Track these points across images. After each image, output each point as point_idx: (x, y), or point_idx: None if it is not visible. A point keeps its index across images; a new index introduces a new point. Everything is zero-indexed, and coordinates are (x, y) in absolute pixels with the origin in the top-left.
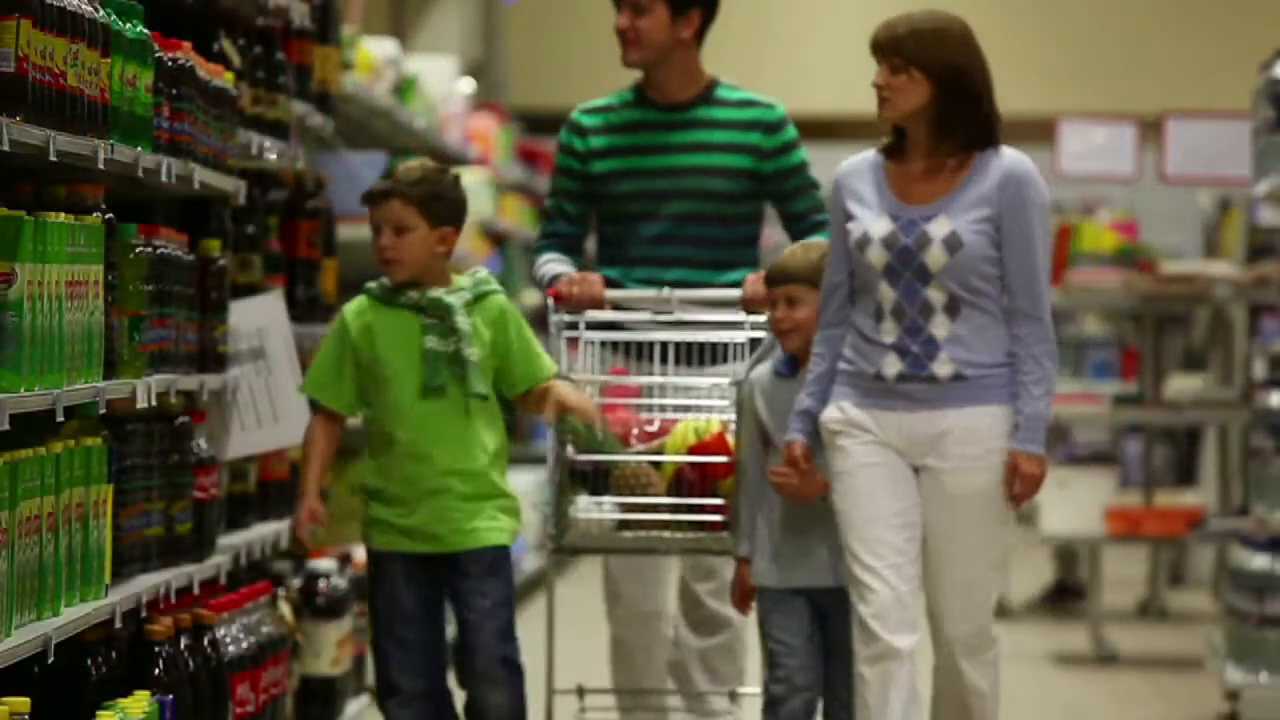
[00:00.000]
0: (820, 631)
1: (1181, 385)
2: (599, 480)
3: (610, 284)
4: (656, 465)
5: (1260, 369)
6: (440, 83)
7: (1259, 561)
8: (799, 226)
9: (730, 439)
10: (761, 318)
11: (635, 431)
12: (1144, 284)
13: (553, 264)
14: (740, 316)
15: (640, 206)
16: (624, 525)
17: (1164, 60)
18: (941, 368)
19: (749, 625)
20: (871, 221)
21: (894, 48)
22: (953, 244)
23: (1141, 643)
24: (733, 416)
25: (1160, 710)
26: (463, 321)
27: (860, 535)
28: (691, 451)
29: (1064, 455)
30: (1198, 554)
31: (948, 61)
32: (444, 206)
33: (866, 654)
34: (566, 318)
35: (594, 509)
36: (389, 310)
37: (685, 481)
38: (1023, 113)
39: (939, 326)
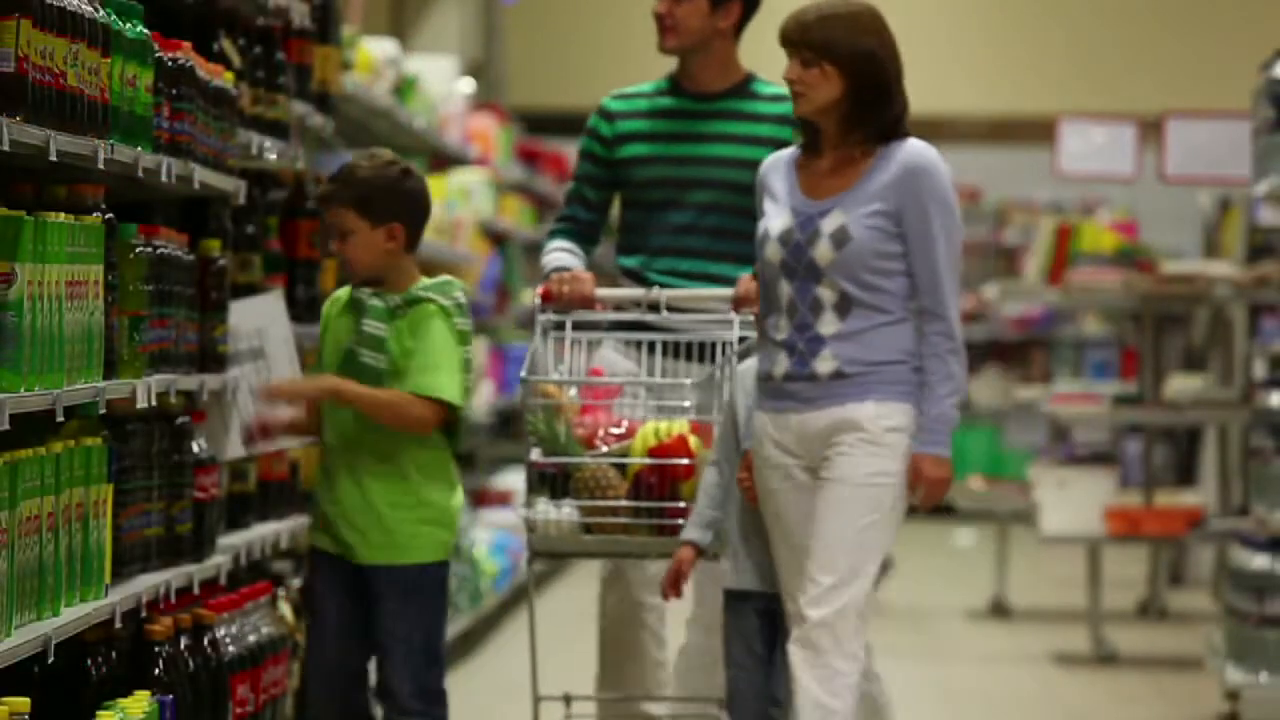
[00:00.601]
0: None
1: (1181, 385)
2: (561, 483)
3: (629, 275)
4: (622, 468)
5: (1260, 369)
6: (440, 83)
7: (1259, 561)
8: None
9: (692, 441)
10: (750, 317)
11: (601, 433)
12: (1144, 284)
13: (557, 255)
14: (729, 316)
15: (664, 194)
16: (587, 528)
17: (1164, 60)
18: (822, 365)
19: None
20: (774, 219)
21: (804, 40)
22: (840, 238)
23: (1141, 643)
24: (700, 417)
25: (1160, 710)
26: (371, 326)
27: (783, 564)
28: (651, 453)
29: (1064, 455)
30: (1198, 554)
31: (860, 52)
32: (384, 203)
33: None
34: (554, 317)
35: (552, 511)
36: (344, 307)
37: (645, 484)
38: (1023, 113)
39: (827, 324)
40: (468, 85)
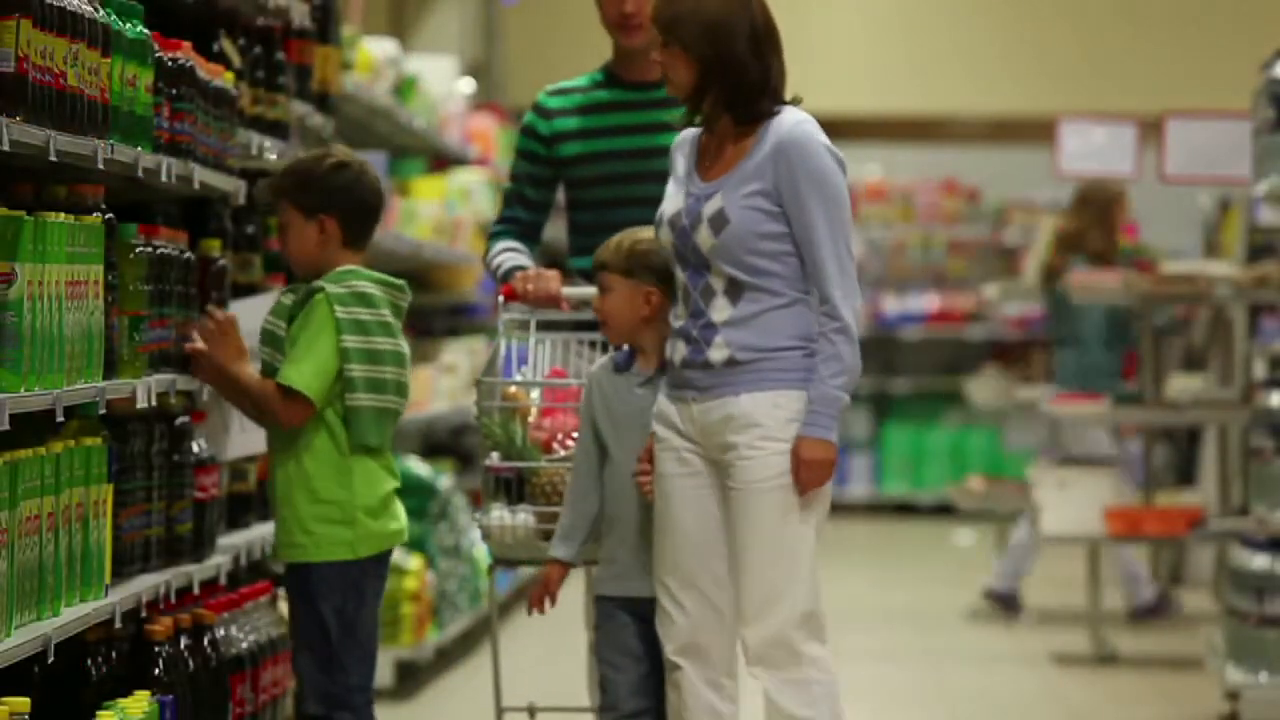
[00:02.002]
0: (652, 647)
1: (1181, 385)
2: (518, 488)
3: (586, 276)
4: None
5: (1260, 369)
6: (440, 83)
7: (1259, 561)
8: None
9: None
10: None
11: (560, 437)
12: (1144, 284)
13: (508, 255)
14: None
15: (612, 191)
16: (546, 535)
17: (1164, 60)
18: (716, 352)
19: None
20: (668, 202)
21: (655, 20)
22: (718, 223)
23: (1141, 643)
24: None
25: (1160, 710)
26: (269, 322)
27: (662, 552)
28: None
29: (1064, 455)
30: (1198, 554)
31: (703, 27)
32: (316, 195)
33: (669, 679)
34: (517, 316)
35: (508, 517)
36: None
37: None
38: (1023, 113)
39: (719, 310)
40: (468, 85)
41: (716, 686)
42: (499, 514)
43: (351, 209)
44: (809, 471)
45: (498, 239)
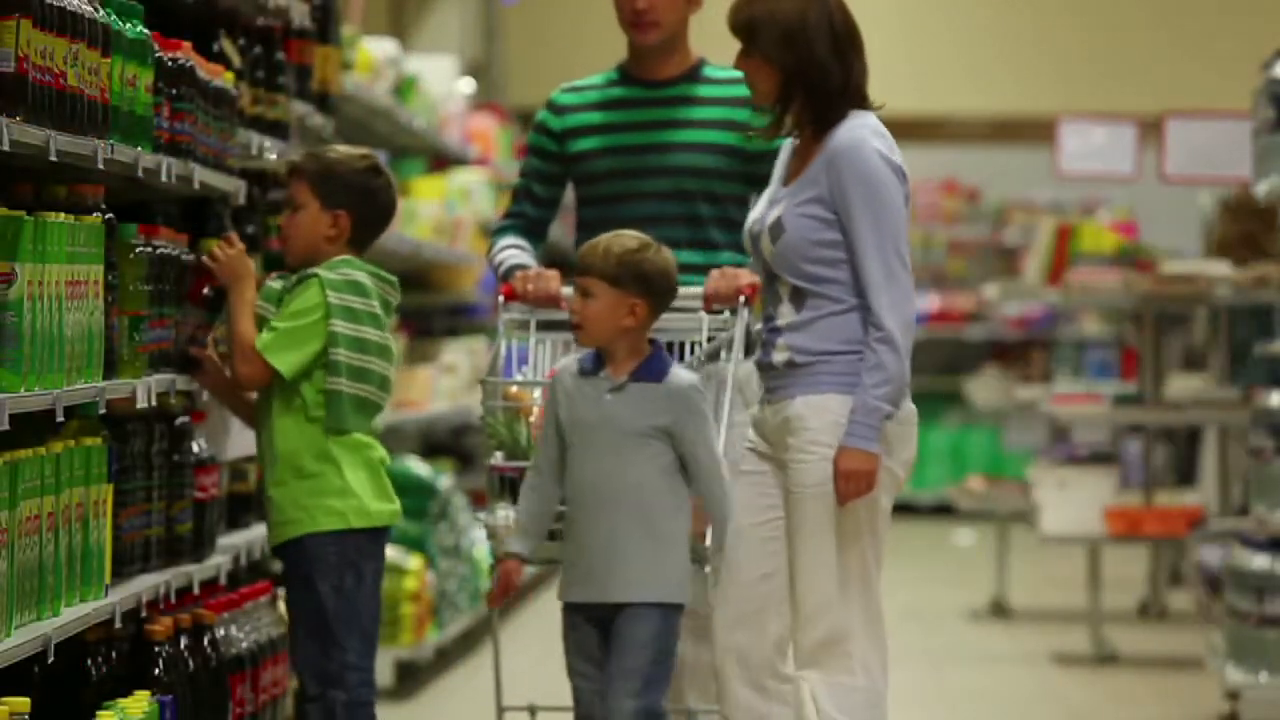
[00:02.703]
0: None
1: (1181, 385)
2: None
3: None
4: None
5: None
6: (440, 83)
7: (1259, 561)
8: None
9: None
10: (721, 316)
11: None
12: (1144, 284)
13: (511, 253)
14: (699, 314)
15: (622, 186)
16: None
17: (1164, 60)
18: (778, 355)
19: None
20: (754, 208)
21: (734, 27)
22: (776, 231)
23: (1141, 643)
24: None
25: (1160, 710)
26: (259, 306)
27: (728, 548)
28: None
29: (1064, 455)
30: (1198, 554)
31: (782, 33)
32: (341, 189)
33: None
34: (518, 316)
35: (512, 517)
36: None
37: None
38: (1023, 113)
39: (784, 315)
40: (468, 85)
41: (759, 688)
42: (504, 514)
43: (369, 214)
44: (846, 482)
45: (502, 234)
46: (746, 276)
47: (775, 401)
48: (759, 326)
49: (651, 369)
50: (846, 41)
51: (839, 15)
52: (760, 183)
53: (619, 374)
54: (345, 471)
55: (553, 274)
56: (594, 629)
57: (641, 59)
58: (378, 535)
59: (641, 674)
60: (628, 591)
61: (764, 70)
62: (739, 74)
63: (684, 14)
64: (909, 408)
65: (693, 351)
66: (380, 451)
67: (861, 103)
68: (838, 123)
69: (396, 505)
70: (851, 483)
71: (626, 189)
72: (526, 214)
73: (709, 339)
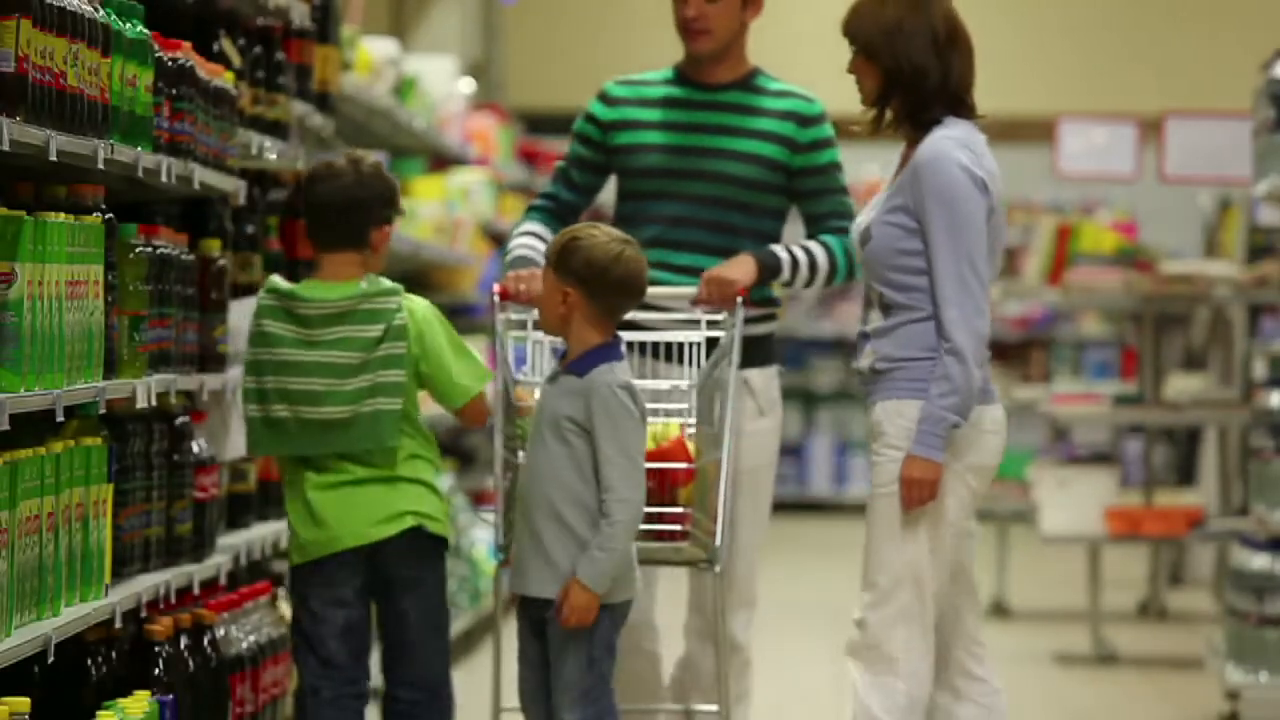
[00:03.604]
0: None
1: (1181, 385)
2: None
3: None
4: None
5: (1260, 369)
6: (440, 83)
7: (1259, 561)
8: (814, 229)
9: (690, 444)
10: (718, 317)
11: None
12: (1144, 284)
13: (521, 244)
14: (696, 315)
15: (660, 184)
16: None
17: (1164, 60)
18: (865, 360)
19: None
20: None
21: (845, 34)
22: (864, 238)
23: (1141, 643)
24: (692, 420)
25: (1160, 710)
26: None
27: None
28: (649, 458)
29: (1064, 455)
30: (1198, 554)
31: (883, 35)
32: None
33: None
34: (514, 316)
35: None
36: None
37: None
38: (1023, 113)
39: (873, 320)
40: (468, 85)
41: (952, 689)
42: None
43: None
44: (908, 489)
45: (528, 217)
46: (739, 279)
47: (869, 404)
48: (858, 330)
49: (583, 363)
50: (948, 45)
51: (941, 20)
52: (800, 199)
53: (563, 362)
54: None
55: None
56: (526, 622)
57: (695, 62)
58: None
59: (577, 686)
60: (541, 586)
61: (866, 70)
62: (791, 87)
63: (739, 22)
64: (994, 414)
65: (694, 354)
66: (318, 477)
67: (960, 107)
68: (932, 126)
69: (320, 532)
70: (914, 490)
71: (663, 188)
72: (560, 197)
73: (710, 340)
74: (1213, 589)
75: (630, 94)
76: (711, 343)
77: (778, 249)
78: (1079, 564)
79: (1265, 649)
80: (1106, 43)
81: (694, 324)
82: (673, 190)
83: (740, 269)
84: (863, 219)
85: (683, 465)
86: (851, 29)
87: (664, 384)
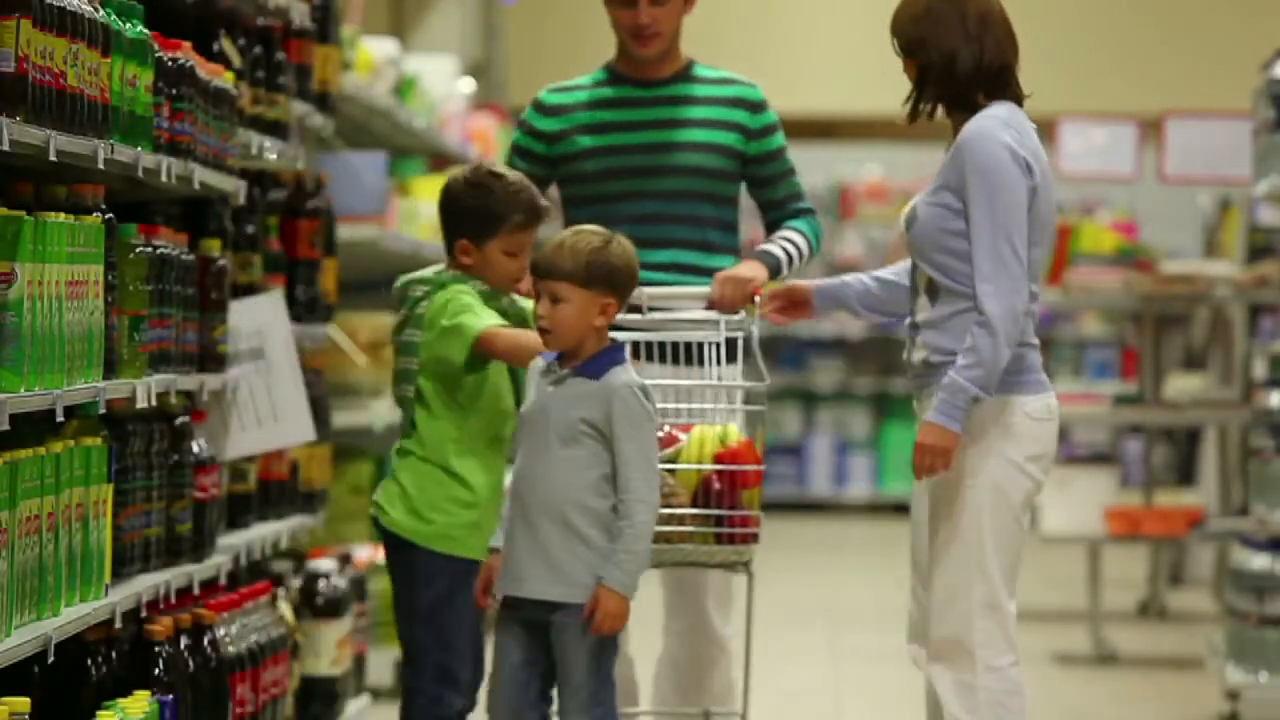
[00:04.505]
0: (545, 656)
1: (1181, 385)
2: None
3: None
4: (671, 473)
5: (1260, 369)
6: (440, 83)
7: (1259, 561)
8: (777, 214)
9: (759, 446)
10: (737, 317)
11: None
12: (1144, 284)
13: None
14: (714, 315)
15: (621, 185)
16: (660, 538)
17: (1164, 60)
18: (917, 353)
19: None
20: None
21: (893, 33)
22: (910, 220)
23: (1141, 643)
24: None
25: (1160, 710)
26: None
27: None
28: (719, 459)
29: (1064, 455)
30: (1198, 554)
31: (915, 26)
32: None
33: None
34: None
35: None
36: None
37: (712, 491)
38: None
39: (921, 310)
40: (468, 85)
41: None
42: None
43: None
44: (921, 455)
45: None
46: (755, 277)
47: (922, 397)
48: (907, 320)
49: (594, 365)
50: (980, 26)
51: (971, 2)
52: (756, 185)
53: (566, 365)
54: None
55: None
56: (519, 627)
57: (635, 61)
58: None
59: (586, 688)
60: (552, 590)
61: (907, 64)
62: (731, 75)
63: (680, 19)
64: (1049, 402)
65: (714, 353)
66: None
67: (1002, 89)
68: (974, 110)
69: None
70: (926, 456)
71: (625, 188)
72: None
73: (729, 340)
74: (1213, 589)
75: (568, 100)
76: (730, 344)
77: (771, 248)
78: (1079, 564)
79: (1265, 649)
80: (1106, 43)
81: (705, 324)
82: (637, 190)
83: (752, 268)
84: (913, 200)
85: (754, 467)
86: (894, 28)
87: (702, 383)
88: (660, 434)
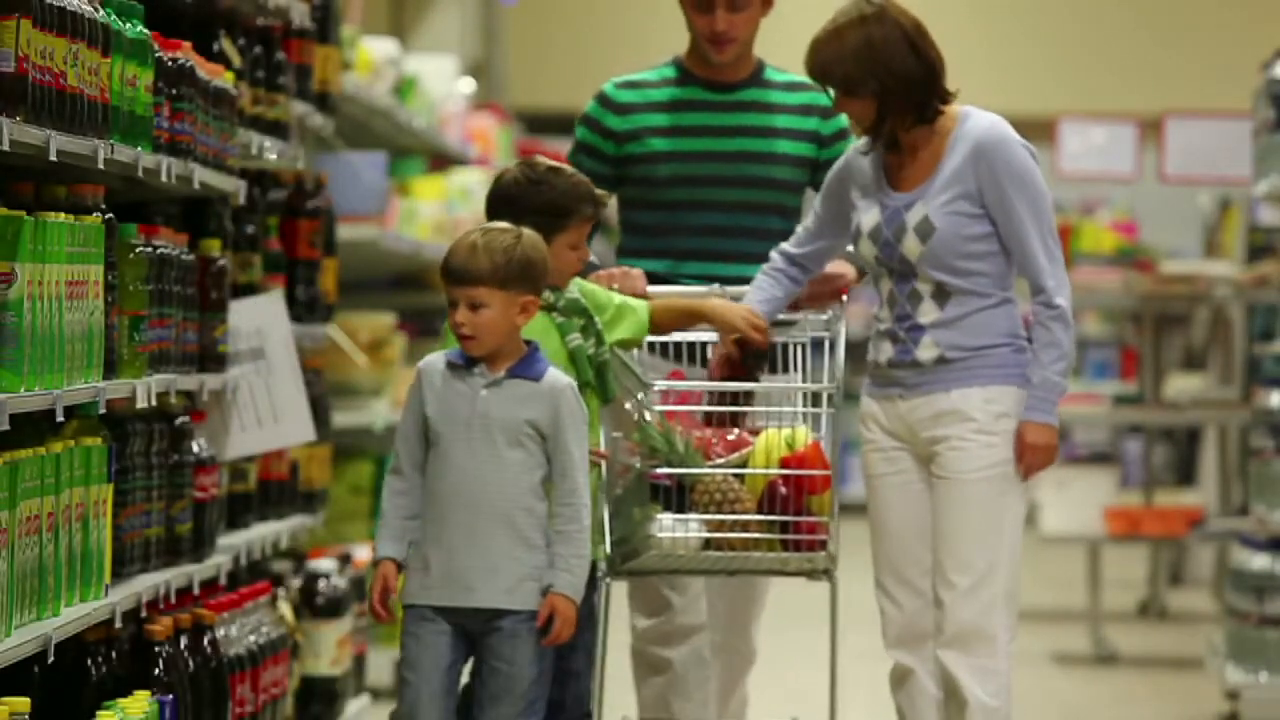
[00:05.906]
0: (463, 660)
1: (1181, 385)
2: (679, 496)
3: (654, 280)
4: (739, 478)
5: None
6: (440, 83)
7: (1259, 561)
8: None
9: (825, 449)
10: (822, 317)
11: (716, 442)
12: (1144, 284)
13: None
14: (796, 316)
15: (688, 194)
16: (708, 544)
17: (1164, 60)
18: (925, 352)
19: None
20: (864, 214)
21: (819, 80)
22: (924, 231)
23: (1141, 643)
24: (809, 426)
25: (1160, 710)
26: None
27: (876, 552)
28: (785, 464)
29: (1064, 455)
30: (1198, 554)
31: (858, 69)
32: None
33: (892, 674)
34: None
35: (679, 528)
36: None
37: (779, 496)
38: (1023, 113)
39: (926, 313)
40: (468, 85)
41: (936, 676)
42: (670, 523)
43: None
44: (1034, 455)
45: None
46: (845, 273)
47: (916, 396)
48: (884, 325)
49: (531, 367)
50: (918, 37)
51: (903, 17)
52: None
53: (497, 370)
54: None
55: (638, 272)
56: (450, 635)
57: (706, 61)
58: None
59: (526, 696)
60: (502, 598)
61: (856, 105)
62: (801, 79)
63: (757, 23)
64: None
65: (799, 355)
66: None
67: (946, 94)
68: (932, 119)
69: None
70: (1039, 455)
71: (691, 197)
72: None
73: (815, 340)
74: (1213, 589)
75: (639, 98)
76: (816, 344)
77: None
78: (1079, 564)
79: (1265, 649)
80: (1106, 43)
81: (789, 326)
82: (703, 199)
83: (841, 267)
84: (893, 216)
85: (822, 472)
86: (820, 71)
87: (790, 387)
88: (731, 437)
